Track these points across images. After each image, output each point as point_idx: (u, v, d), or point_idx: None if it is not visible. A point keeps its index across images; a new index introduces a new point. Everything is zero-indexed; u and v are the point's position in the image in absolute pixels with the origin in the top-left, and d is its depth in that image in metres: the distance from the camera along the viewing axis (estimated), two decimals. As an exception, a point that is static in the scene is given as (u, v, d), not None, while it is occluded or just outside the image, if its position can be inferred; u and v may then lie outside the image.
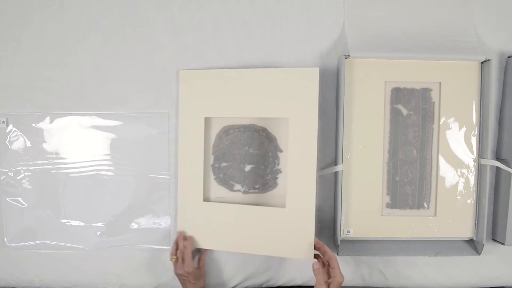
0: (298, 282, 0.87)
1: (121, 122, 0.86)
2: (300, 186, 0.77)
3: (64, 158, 0.86)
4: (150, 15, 0.85)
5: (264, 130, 0.82)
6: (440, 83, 0.81)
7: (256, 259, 0.86)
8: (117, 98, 0.85)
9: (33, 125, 0.86)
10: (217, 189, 0.84)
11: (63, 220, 0.87)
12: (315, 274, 0.72)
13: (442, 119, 0.82)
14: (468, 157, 0.83)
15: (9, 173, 0.86)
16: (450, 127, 0.82)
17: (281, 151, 0.82)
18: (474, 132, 0.82)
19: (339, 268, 0.71)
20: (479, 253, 0.82)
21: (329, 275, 0.72)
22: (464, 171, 0.83)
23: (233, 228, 0.81)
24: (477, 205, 0.83)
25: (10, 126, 0.86)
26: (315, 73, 0.76)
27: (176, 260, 0.80)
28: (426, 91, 0.82)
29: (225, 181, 0.84)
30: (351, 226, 0.83)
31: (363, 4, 0.84)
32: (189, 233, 0.82)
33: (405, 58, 0.80)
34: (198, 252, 0.85)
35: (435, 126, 0.82)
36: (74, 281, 0.88)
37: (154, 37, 0.85)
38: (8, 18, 0.85)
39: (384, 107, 0.82)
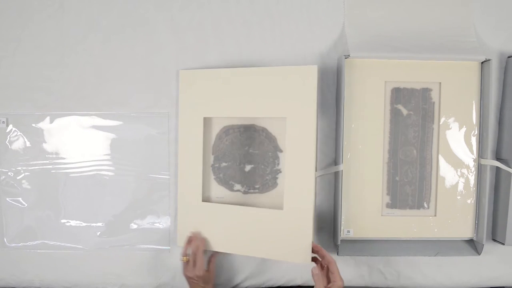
0: (298, 282, 0.87)
1: (121, 122, 0.86)
2: (297, 188, 0.76)
3: (64, 158, 0.86)
4: (150, 15, 0.85)
5: (264, 130, 0.82)
6: (440, 83, 0.81)
7: (255, 259, 0.86)
8: (117, 98, 0.85)
9: (33, 125, 0.86)
10: (217, 189, 0.84)
11: (63, 220, 0.87)
12: (314, 280, 0.70)
13: (442, 119, 0.82)
14: (468, 157, 0.83)
15: (9, 173, 0.86)
16: (450, 127, 0.82)
17: (281, 151, 0.82)
18: (474, 132, 0.82)
19: (338, 273, 0.70)
20: (479, 253, 0.82)
21: (328, 280, 0.71)
22: (464, 171, 0.83)
23: (230, 229, 0.80)
24: (477, 205, 0.83)
25: (10, 126, 0.86)
26: (313, 71, 0.75)
27: (187, 261, 0.78)
28: (426, 91, 0.82)
29: (225, 181, 0.84)
30: (351, 226, 0.83)
31: (363, 4, 0.84)
32: (188, 233, 0.82)
33: (405, 58, 0.80)
34: (209, 254, 0.83)
35: (435, 126, 0.82)
36: (74, 281, 0.88)
37: (154, 37, 0.85)
38: (8, 18, 0.85)
39: (384, 107, 0.82)
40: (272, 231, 0.78)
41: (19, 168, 0.86)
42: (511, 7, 0.84)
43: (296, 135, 0.76)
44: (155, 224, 0.87)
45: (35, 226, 0.87)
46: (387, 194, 0.84)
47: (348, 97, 0.80)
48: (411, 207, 0.84)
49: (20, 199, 0.87)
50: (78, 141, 0.86)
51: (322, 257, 0.73)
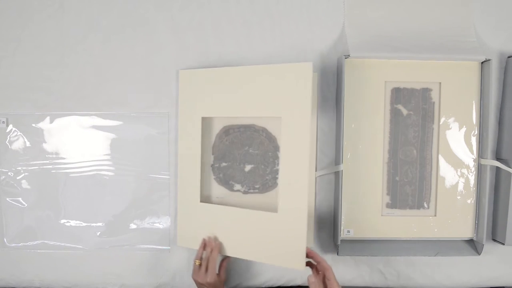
0: (298, 282, 0.87)
1: (121, 122, 0.86)
2: (291, 190, 0.74)
3: (64, 158, 0.86)
4: (150, 15, 0.85)
5: (264, 130, 0.82)
6: (440, 83, 0.82)
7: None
8: (117, 98, 0.85)
9: (33, 125, 0.86)
10: (217, 189, 0.84)
11: (63, 220, 0.87)
12: None
13: (442, 119, 0.82)
14: (468, 157, 0.83)
15: (9, 173, 0.86)
16: (450, 127, 0.82)
17: (281, 151, 0.82)
18: (474, 132, 0.82)
19: (335, 279, 0.69)
20: (479, 253, 0.82)
21: (325, 285, 0.70)
22: (464, 171, 0.83)
23: (226, 231, 0.80)
24: (477, 205, 0.83)
25: (10, 126, 0.86)
26: (308, 68, 0.71)
27: (199, 265, 0.76)
28: (426, 91, 0.82)
29: (225, 181, 0.84)
30: (351, 226, 0.83)
31: (363, 4, 0.84)
32: (188, 233, 0.82)
33: (405, 58, 0.80)
34: (220, 258, 0.82)
35: (435, 126, 0.82)
36: (74, 281, 0.88)
37: (154, 37, 0.85)
38: (8, 18, 0.85)
39: (384, 107, 0.82)
40: (266, 234, 0.76)
41: (19, 168, 0.86)
42: (511, 7, 0.85)
43: (291, 135, 0.74)
44: (155, 224, 0.87)
45: (35, 226, 0.87)
46: (387, 194, 0.84)
47: (348, 97, 0.80)
48: (411, 207, 0.84)
49: (20, 199, 0.87)
50: (78, 141, 0.86)
51: (317, 262, 0.71)
